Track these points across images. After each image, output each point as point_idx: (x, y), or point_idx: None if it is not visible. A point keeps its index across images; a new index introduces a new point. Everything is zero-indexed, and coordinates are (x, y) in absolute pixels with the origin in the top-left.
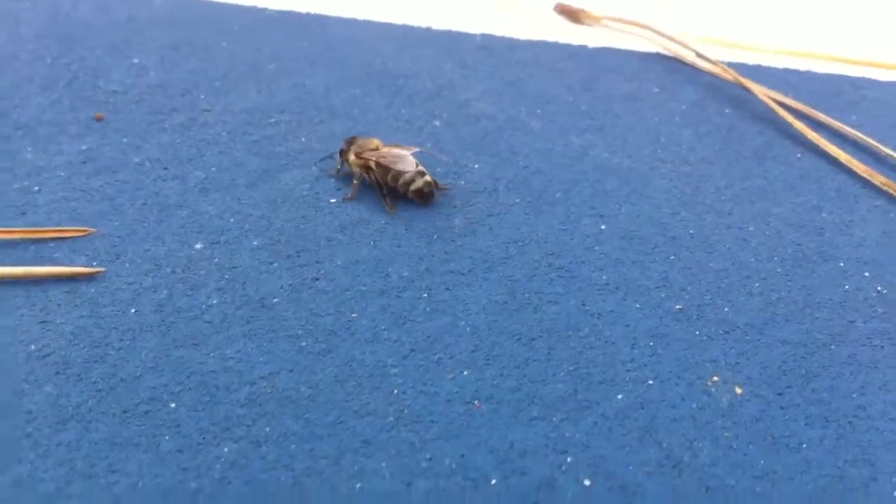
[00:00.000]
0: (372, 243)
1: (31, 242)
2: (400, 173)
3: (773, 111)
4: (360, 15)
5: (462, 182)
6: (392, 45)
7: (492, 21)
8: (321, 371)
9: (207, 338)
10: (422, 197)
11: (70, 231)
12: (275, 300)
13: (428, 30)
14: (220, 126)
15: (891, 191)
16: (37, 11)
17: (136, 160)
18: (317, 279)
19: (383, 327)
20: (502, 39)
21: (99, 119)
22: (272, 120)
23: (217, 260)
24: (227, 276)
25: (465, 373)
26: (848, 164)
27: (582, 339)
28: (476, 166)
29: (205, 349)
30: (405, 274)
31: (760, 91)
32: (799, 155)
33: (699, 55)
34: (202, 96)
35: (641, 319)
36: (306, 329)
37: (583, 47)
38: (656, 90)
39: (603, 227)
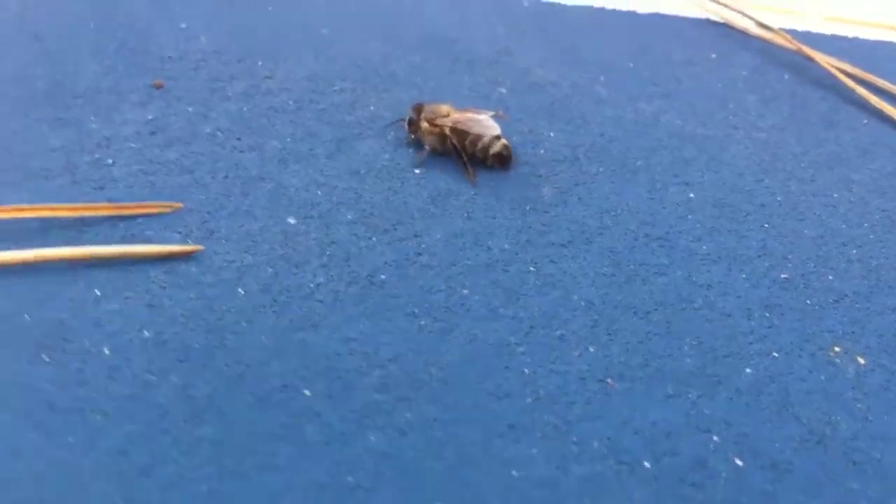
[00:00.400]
0: (465, 215)
1: (119, 220)
2: (478, 137)
3: (834, 77)
4: None
5: (541, 151)
6: (442, 10)
7: None
8: (447, 352)
9: (324, 318)
10: (501, 161)
11: (157, 206)
12: (382, 277)
13: None
14: (284, 94)
15: None
16: None
17: (207, 130)
18: (419, 254)
19: (497, 303)
20: (550, 5)
21: (159, 87)
22: (336, 87)
23: (314, 235)
24: (328, 252)
25: (591, 349)
26: None
27: (697, 311)
28: (551, 134)
29: (324, 331)
30: (506, 247)
31: (821, 58)
32: (865, 121)
33: (759, 24)
34: (259, 62)
35: (751, 290)
36: (421, 307)
37: (632, 13)
38: (713, 56)
39: (691, 195)
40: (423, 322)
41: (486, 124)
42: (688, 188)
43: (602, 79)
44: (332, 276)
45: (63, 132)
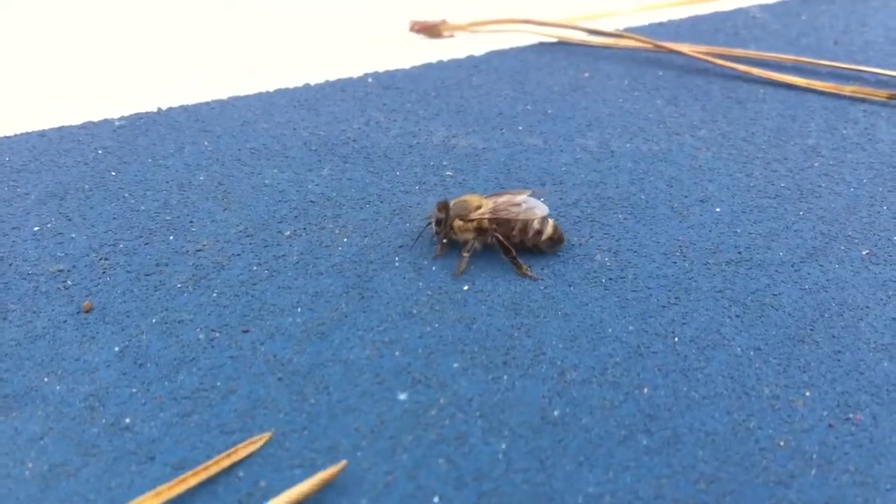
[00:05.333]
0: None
1: (220, 479)
2: (527, 223)
3: (699, 61)
4: (223, 94)
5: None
6: (311, 111)
7: (359, 62)
8: None
9: None
10: (555, 244)
11: (250, 444)
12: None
13: (307, 87)
14: (245, 270)
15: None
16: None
17: (202, 336)
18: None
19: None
20: (393, 74)
21: (88, 310)
22: (287, 234)
23: (441, 399)
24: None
25: None
26: (811, 87)
27: None
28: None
29: None
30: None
31: (683, 48)
32: (762, 91)
33: (591, 31)
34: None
35: None
36: None
37: (471, 57)
38: (587, 75)
39: (717, 209)
40: None
41: (529, 206)
42: (715, 206)
43: (520, 129)
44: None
45: None
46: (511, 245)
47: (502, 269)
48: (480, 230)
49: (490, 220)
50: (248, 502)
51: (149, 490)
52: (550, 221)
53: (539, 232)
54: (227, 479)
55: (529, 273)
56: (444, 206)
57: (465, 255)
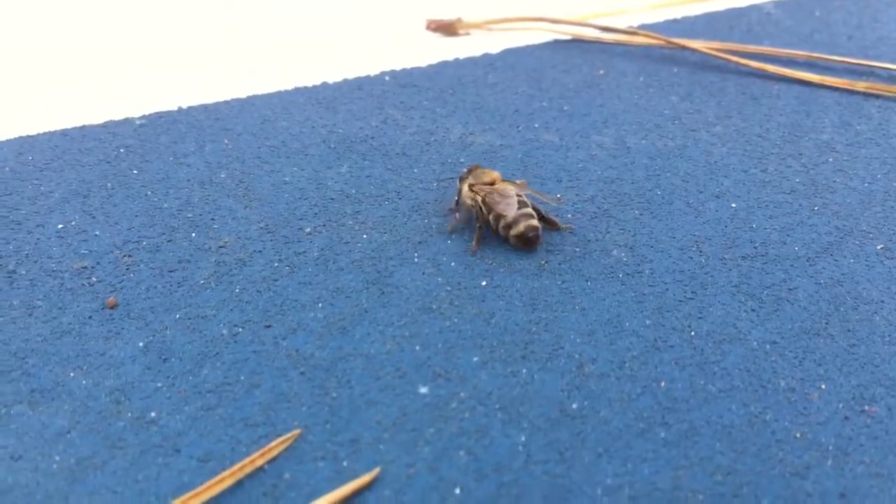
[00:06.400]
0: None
1: (259, 471)
2: (500, 216)
3: (714, 58)
4: (242, 93)
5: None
6: (329, 110)
7: (376, 60)
8: None
9: None
10: (524, 243)
11: (280, 442)
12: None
13: (325, 85)
14: (266, 267)
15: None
16: None
17: (225, 331)
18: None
19: None
20: (410, 72)
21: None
22: (307, 230)
23: (462, 395)
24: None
25: None
26: (824, 83)
27: None
28: (558, 195)
29: None
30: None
31: (696, 44)
32: (776, 87)
33: (604, 28)
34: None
35: None
36: None
37: (487, 55)
38: (602, 72)
39: (733, 205)
40: None
41: (511, 202)
42: (730, 201)
43: (537, 125)
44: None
45: None
46: (493, 230)
47: (520, 265)
48: (475, 203)
49: (482, 199)
50: (274, 494)
51: (188, 491)
52: (529, 223)
53: (508, 227)
54: (251, 471)
55: (474, 249)
56: (470, 169)
57: (478, 225)
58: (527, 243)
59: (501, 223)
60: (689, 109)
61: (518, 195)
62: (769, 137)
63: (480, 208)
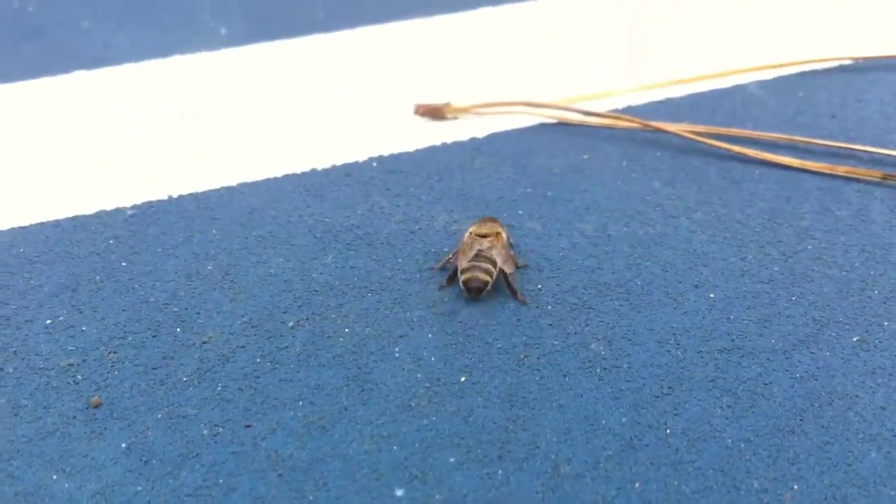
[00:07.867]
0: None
1: None
2: (454, 265)
3: (694, 141)
4: (232, 181)
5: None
6: (317, 197)
7: (364, 145)
8: None
9: None
10: (467, 291)
11: None
12: None
13: (314, 172)
14: (246, 363)
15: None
16: None
17: (205, 432)
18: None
19: None
20: (398, 157)
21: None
22: (290, 324)
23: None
24: None
25: None
26: (805, 167)
27: None
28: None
29: None
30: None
31: (677, 128)
32: (757, 171)
33: (587, 113)
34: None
35: None
36: None
37: (473, 139)
38: (586, 156)
39: (711, 295)
40: None
41: (470, 254)
42: (709, 292)
43: (520, 212)
44: None
45: None
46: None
47: (500, 359)
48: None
49: (460, 246)
50: None
51: None
52: (475, 275)
53: (462, 272)
54: None
55: (442, 288)
56: (483, 219)
57: (453, 266)
58: (468, 291)
59: (459, 269)
60: (671, 195)
61: (481, 250)
62: (749, 224)
63: (456, 253)
